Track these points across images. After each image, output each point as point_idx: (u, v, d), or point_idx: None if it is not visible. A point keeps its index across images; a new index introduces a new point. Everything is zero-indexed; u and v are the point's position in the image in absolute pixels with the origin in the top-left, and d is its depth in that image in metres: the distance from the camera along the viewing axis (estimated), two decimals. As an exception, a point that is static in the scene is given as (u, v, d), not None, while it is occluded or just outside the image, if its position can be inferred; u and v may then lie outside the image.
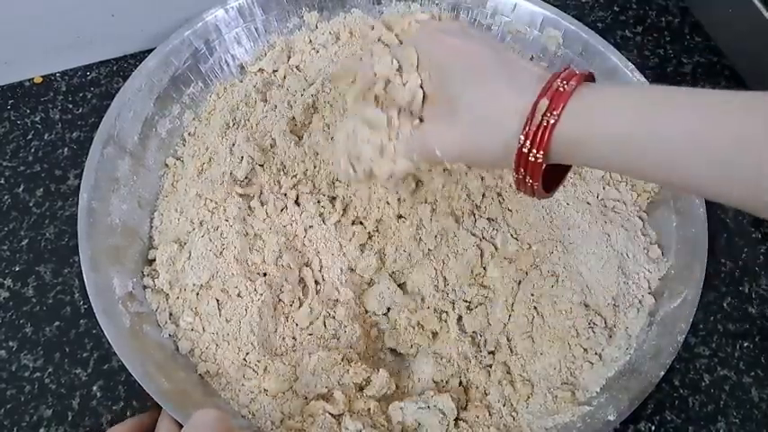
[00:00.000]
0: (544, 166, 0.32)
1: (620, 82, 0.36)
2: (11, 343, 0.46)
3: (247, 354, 0.43)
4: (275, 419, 0.41)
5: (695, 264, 0.45)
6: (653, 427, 0.46)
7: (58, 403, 0.44)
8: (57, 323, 0.47)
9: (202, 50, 0.53)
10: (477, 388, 0.44)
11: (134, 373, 0.39)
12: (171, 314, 0.45)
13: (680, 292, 0.45)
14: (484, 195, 0.48)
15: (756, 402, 0.47)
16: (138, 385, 0.39)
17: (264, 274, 0.45)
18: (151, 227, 0.49)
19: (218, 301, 0.44)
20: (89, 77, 0.58)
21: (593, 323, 0.45)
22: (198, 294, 0.44)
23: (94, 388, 0.45)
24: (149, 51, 0.59)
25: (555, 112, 0.31)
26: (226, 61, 0.55)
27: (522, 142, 0.32)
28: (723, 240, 0.53)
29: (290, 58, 0.55)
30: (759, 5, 0.55)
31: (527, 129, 0.32)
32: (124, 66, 0.58)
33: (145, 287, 0.45)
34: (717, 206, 0.52)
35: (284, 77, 0.54)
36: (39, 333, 0.47)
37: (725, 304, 0.50)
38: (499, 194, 0.49)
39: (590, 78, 0.33)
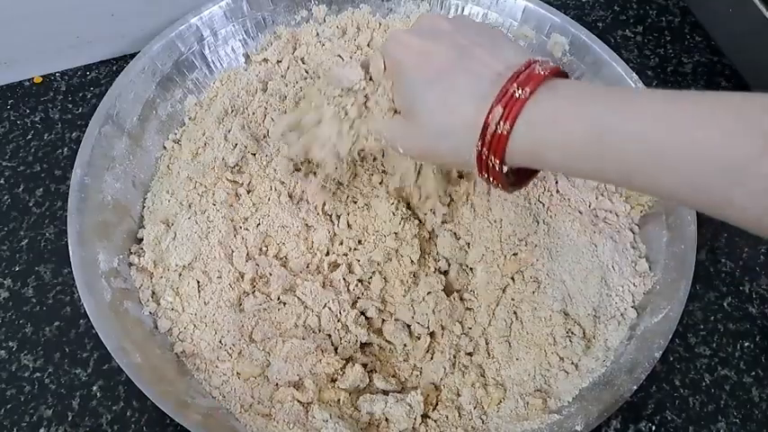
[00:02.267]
0: (505, 170, 0.33)
1: (583, 82, 0.34)
2: (11, 343, 0.46)
3: (223, 337, 0.43)
4: (245, 403, 0.42)
5: (681, 281, 0.45)
6: (653, 427, 0.45)
7: (57, 403, 0.44)
8: (56, 323, 0.47)
9: (208, 37, 0.54)
10: (449, 388, 0.44)
11: (108, 345, 0.40)
12: (154, 292, 0.45)
13: (662, 308, 0.44)
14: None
15: (757, 402, 0.47)
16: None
17: (246, 260, 0.45)
18: (143, 207, 0.49)
19: (198, 282, 0.45)
20: (89, 77, 0.58)
21: (572, 332, 0.45)
22: (180, 275, 0.45)
23: (94, 388, 0.45)
24: (149, 51, 0.59)
25: (507, 122, 0.31)
26: (233, 49, 0.55)
27: (479, 150, 0.33)
28: (723, 240, 0.53)
29: (295, 49, 0.56)
30: (759, 5, 0.55)
31: (483, 139, 0.32)
32: (123, 65, 0.58)
33: (130, 264, 0.46)
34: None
35: (287, 69, 0.54)
36: (38, 333, 0.47)
37: (725, 304, 0.50)
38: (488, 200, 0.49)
39: (558, 73, 0.33)
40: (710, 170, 0.27)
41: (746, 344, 0.49)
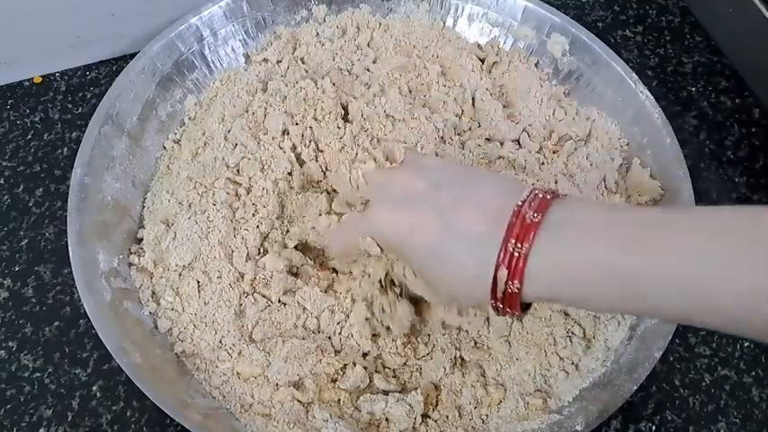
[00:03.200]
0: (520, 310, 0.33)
1: (585, 206, 0.33)
2: (10, 343, 0.46)
3: (223, 337, 0.43)
4: (245, 403, 0.42)
5: None
6: (653, 427, 0.45)
7: (57, 403, 0.44)
8: (56, 323, 0.47)
9: (208, 37, 0.54)
10: (449, 388, 0.44)
11: (108, 345, 0.40)
12: (153, 292, 0.45)
13: None
14: None
15: (757, 402, 0.47)
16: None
17: (246, 260, 0.45)
18: (143, 207, 0.49)
19: (198, 282, 0.44)
20: (89, 77, 0.58)
21: (572, 332, 0.45)
22: (180, 275, 0.45)
23: (94, 388, 0.45)
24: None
25: (515, 281, 0.31)
26: (233, 49, 0.55)
27: (494, 305, 0.33)
28: (723, 240, 0.53)
29: (295, 49, 0.56)
30: (759, 5, 0.55)
31: (495, 297, 0.32)
32: (123, 65, 0.58)
33: (130, 264, 0.46)
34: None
35: (287, 69, 0.54)
36: (38, 333, 0.47)
37: (725, 304, 0.50)
38: None
39: (554, 197, 0.32)
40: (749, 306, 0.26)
41: (746, 344, 0.49)
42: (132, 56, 0.57)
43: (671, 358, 0.48)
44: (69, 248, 0.43)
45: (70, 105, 0.56)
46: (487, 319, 0.46)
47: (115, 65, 0.58)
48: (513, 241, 0.31)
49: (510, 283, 0.31)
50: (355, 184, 0.43)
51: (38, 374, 0.45)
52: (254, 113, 0.50)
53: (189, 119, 0.53)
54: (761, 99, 0.59)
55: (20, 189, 0.52)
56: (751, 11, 0.56)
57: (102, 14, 0.55)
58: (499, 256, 0.31)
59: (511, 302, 0.32)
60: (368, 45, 0.55)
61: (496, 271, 0.31)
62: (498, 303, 0.33)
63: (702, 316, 0.28)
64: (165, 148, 0.52)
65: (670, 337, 0.42)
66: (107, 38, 0.57)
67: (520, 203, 0.32)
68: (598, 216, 0.31)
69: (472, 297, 0.34)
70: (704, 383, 0.47)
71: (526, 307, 0.35)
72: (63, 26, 0.55)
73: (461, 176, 0.36)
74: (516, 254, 0.30)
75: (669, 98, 0.59)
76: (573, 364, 0.44)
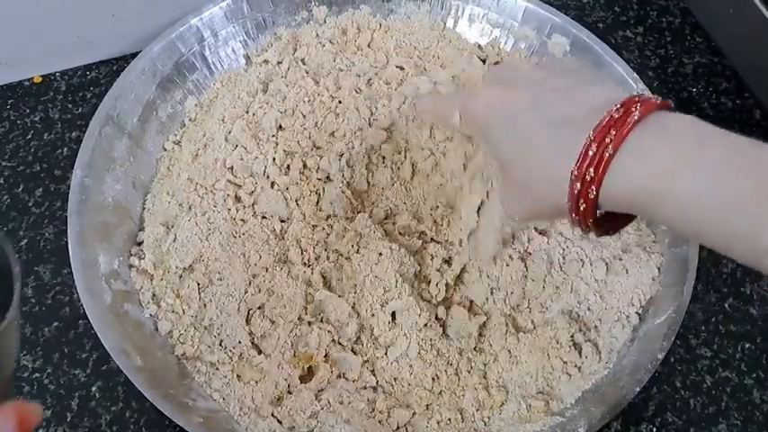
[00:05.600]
0: (596, 217, 0.31)
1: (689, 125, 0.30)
2: (10, 343, 0.46)
3: (223, 339, 0.43)
4: (245, 406, 0.42)
5: (683, 282, 0.45)
6: (654, 429, 0.45)
7: (57, 404, 0.44)
8: (56, 323, 0.47)
9: (209, 38, 0.54)
10: (451, 391, 0.44)
11: (108, 348, 0.40)
12: (154, 295, 0.45)
13: (665, 310, 0.44)
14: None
15: (758, 404, 0.47)
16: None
17: (247, 263, 0.46)
18: (143, 208, 0.49)
19: (198, 284, 0.44)
20: (89, 77, 0.58)
21: (575, 335, 0.45)
22: (181, 277, 0.45)
23: (93, 388, 0.45)
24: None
25: (592, 190, 0.29)
26: (233, 50, 0.55)
27: (571, 207, 0.31)
28: (724, 241, 0.53)
29: (295, 50, 0.55)
30: (759, 5, 0.55)
31: (572, 198, 0.30)
32: (124, 66, 0.58)
33: (130, 266, 0.46)
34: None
35: (288, 70, 0.54)
36: (38, 333, 0.46)
37: (726, 305, 0.50)
38: None
39: (662, 106, 0.29)
40: None
41: (747, 345, 0.49)
42: (133, 56, 0.57)
43: (672, 360, 0.48)
44: (69, 250, 0.43)
45: (70, 105, 0.56)
46: (485, 324, 0.45)
47: (115, 65, 0.58)
48: (608, 130, 0.28)
49: (590, 169, 0.28)
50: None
51: (37, 375, 0.45)
52: (254, 114, 0.50)
53: (189, 120, 0.53)
54: (761, 100, 0.59)
55: (20, 189, 0.52)
56: (751, 12, 0.56)
57: (103, 14, 0.55)
58: (588, 142, 0.28)
59: (585, 212, 0.30)
60: (368, 46, 0.55)
61: (582, 155, 0.29)
62: (577, 213, 0.30)
63: None
64: (165, 149, 0.52)
65: (672, 338, 0.42)
66: (107, 38, 0.57)
67: (626, 100, 0.29)
68: (709, 130, 0.28)
69: (550, 195, 0.31)
70: (705, 385, 0.47)
71: (608, 228, 0.32)
72: (63, 26, 0.55)
73: (575, 77, 0.34)
74: (608, 140, 0.28)
75: (670, 99, 0.59)
76: (575, 366, 0.44)
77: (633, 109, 0.28)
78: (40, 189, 0.52)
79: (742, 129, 0.61)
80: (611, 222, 0.32)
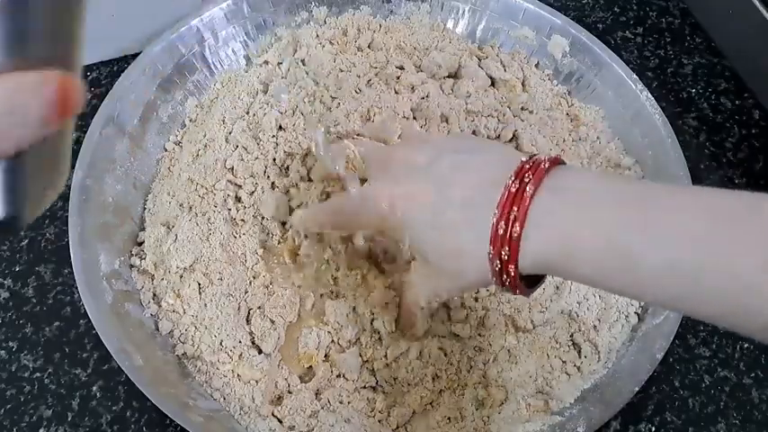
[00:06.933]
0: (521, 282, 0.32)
1: (582, 181, 0.31)
2: (11, 343, 0.46)
3: (223, 339, 0.43)
4: (245, 405, 0.42)
5: None
6: (653, 428, 0.45)
7: (57, 403, 0.44)
8: (56, 323, 0.47)
9: (209, 39, 0.54)
10: (451, 390, 0.44)
11: (110, 347, 0.40)
12: (155, 294, 0.45)
13: (664, 310, 0.44)
14: None
15: (757, 403, 0.47)
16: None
17: (247, 263, 0.46)
18: (144, 209, 0.49)
19: (199, 284, 0.45)
20: (89, 77, 0.58)
21: (574, 335, 0.45)
22: (181, 277, 0.45)
23: (94, 388, 0.45)
24: (150, 52, 0.59)
25: (511, 266, 0.30)
26: (233, 51, 0.55)
27: (496, 279, 0.32)
28: (723, 241, 0.53)
29: (296, 51, 0.55)
30: (759, 6, 0.55)
31: (495, 274, 0.31)
32: (124, 66, 0.58)
33: (131, 266, 0.46)
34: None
35: (288, 70, 0.54)
36: (38, 333, 0.47)
37: (725, 305, 0.50)
38: None
39: (555, 164, 0.31)
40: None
41: (746, 345, 0.49)
42: (133, 56, 0.57)
43: (670, 359, 0.48)
44: (71, 250, 0.43)
45: (71, 105, 0.56)
46: (483, 323, 0.46)
47: (115, 65, 0.58)
48: (510, 205, 0.29)
49: (504, 247, 0.30)
50: (352, 161, 0.42)
51: (38, 374, 0.45)
52: (254, 115, 0.51)
53: (190, 120, 0.53)
54: (761, 100, 0.59)
55: (20, 189, 0.52)
56: (751, 12, 0.56)
57: (103, 15, 0.55)
58: (495, 221, 0.30)
59: (512, 281, 0.31)
60: (368, 47, 0.55)
61: (494, 236, 0.30)
62: (498, 276, 0.31)
63: (695, 301, 0.27)
64: (165, 149, 0.52)
65: (671, 338, 0.43)
66: (107, 38, 0.57)
67: (518, 169, 0.30)
68: (600, 184, 0.30)
69: (474, 274, 0.33)
70: (704, 384, 0.47)
71: (531, 284, 0.33)
72: (63, 26, 0.54)
73: (462, 144, 0.35)
74: (513, 217, 0.29)
75: (669, 99, 0.59)
76: (575, 365, 0.44)
77: (526, 179, 0.30)
78: (41, 189, 0.52)
79: (742, 129, 0.61)
80: (537, 277, 0.33)
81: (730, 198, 0.27)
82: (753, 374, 0.48)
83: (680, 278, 0.27)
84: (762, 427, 0.46)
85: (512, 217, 0.29)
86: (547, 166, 0.30)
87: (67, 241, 0.49)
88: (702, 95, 0.60)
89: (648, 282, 0.28)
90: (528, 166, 0.30)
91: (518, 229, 0.29)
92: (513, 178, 0.30)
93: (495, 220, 0.30)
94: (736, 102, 0.60)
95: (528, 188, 0.29)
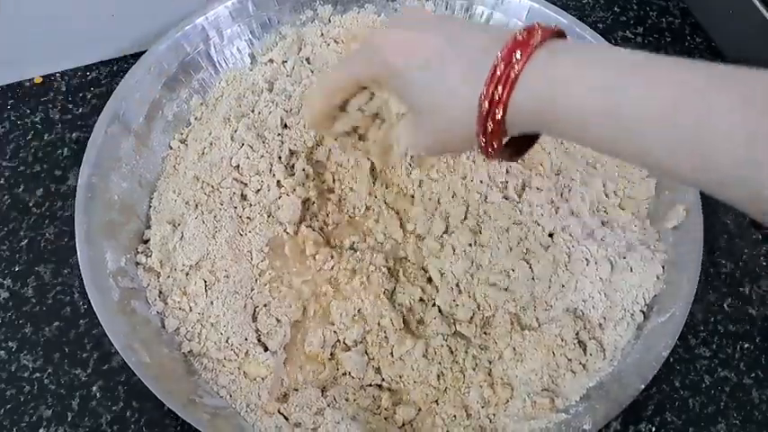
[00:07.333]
0: (506, 140, 0.32)
1: (579, 46, 0.33)
2: (10, 343, 0.46)
3: (229, 337, 0.43)
4: (251, 402, 0.42)
5: (686, 281, 0.45)
6: (653, 428, 0.45)
7: (57, 403, 0.44)
8: (56, 323, 0.47)
9: (214, 38, 0.54)
10: (457, 388, 0.44)
11: (117, 345, 0.40)
12: (161, 292, 0.45)
13: (669, 308, 0.45)
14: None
15: (757, 404, 0.47)
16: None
17: (252, 259, 0.46)
18: (149, 206, 0.49)
19: (205, 282, 0.45)
20: (89, 77, 0.58)
21: (580, 332, 0.45)
22: (187, 274, 0.45)
23: (94, 388, 0.45)
24: (150, 51, 0.59)
25: (499, 109, 0.30)
26: (238, 49, 0.55)
27: (481, 137, 0.32)
28: (723, 241, 0.53)
29: (300, 49, 0.55)
30: (759, 7, 0.55)
31: (481, 120, 0.31)
32: (124, 66, 0.58)
33: (137, 264, 0.46)
34: (718, 208, 0.52)
35: (293, 69, 0.54)
36: (38, 333, 0.47)
37: (725, 305, 0.50)
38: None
39: (558, 34, 0.31)
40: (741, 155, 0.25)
41: (746, 345, 0.49)
42: (133, 56, 0.57)
43: (671, 360, 0.48)
44: (77, 248, 0.43)
45: (70, 105, 0.56)
46: (488, 321, 0.46)
47: (115, 65, 0.58)
48: (515, 49, 0.30)
49: (498, 88, 0.30)
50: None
51: (38, 374, 0.45)
52: (259, 113, 0.51)
53: (195, 119, 0.53)
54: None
55: (20, 189, 0.52)
56: (751, 12, 0.56)
57: (103, 14, 0.55)
58: (495, 63, 0.30)
59: (495, 132, 0.31)
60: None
61: (491, 76, 0.30)
62: (485, 135, 0.32)
63: (684, 159, 0.28)
64: (171, 147, 0.52)
65: (677, 336, 0.43)
66: (107, 38, 0.57)
67: (529, 26, 0.31)
68: (597, 48, 0.31)
69: (460, 126, 0.33)
70: (704, 385, 0.47)
71: (515, 153, 0.34)
72: (63, 26, 0.55)
73: (476, 24, 0.37)
74: (514, 59, 0.30)
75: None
76: (580, 363, 0.44)
77: (535, 33, 0.30)
78: (41, 189, 0.52)
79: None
80: (513, 148, 0.34)
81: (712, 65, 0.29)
82: (753, 374, 0.48)
83: (667, 130, 0.27)
84: (762, 427, 0.46)
85: (513, 60, 0.30)
86: (556, 29, 0.31)
87: (67, 241, 0.50)
88: (702, 95, 0.60)
89: (641, 138, 0.28)
90: (537, 26, 0.31)
91: (517, 69, 0.30)
92: (522, 31, 0.31)
93: (496, 61, 0.30)
94: (737, 102, 0.60)
95: (534, 39, 0.30)
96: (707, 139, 0.26)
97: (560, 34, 0.32)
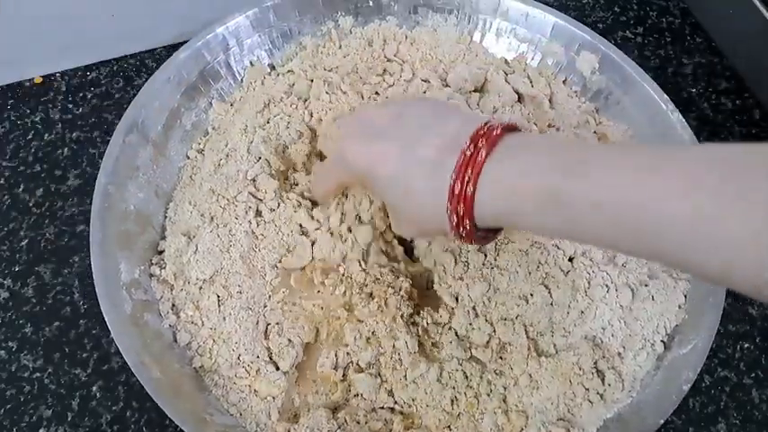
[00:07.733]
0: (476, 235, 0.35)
1: (532, 142, 0.34)
2: (10, 343, 0.46)
3: (241, 354, 0.43)
4: (261, 422, 0.41)
5: (710, 311, 0.44)
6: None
7: (57, 403, 0.44)
8: (56, 323, 0.47)
9: (234, 47, 0.53)
10: (470, 414, 0.43)
11: (128, 359, 0.39)
12: (174, 305, 0.45)
13: (691, 339, 0.43)
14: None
15: (757, 403, 0.47)
16: (137, 386, 0.39)
17: (265, 276, 0.45)
18: (165, 217, 0.49)
19: (218, 296, 0.44)
20: (89, 77, 0.58)
21: (598, 362, 0.43)
22: (201, 288, 0.45)
23: (94, 388, 0.45)
24: (150, 52, 0.59)
25: (467, 221, 0.33)
26: (258, 59, 0.55)
27: (455, 232, 0.35)
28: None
29: (320, 61, 0.55)
30: (759, 5, 0.55)
31: (453, 227, 0.34)
32: (124, 66, 0.58)
33: (151, 275, 0.46)
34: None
35: (311, 81, 0.53)
36: (38, 333, 0.47)
37: (725, 305, 0.50)
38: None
39: (510, 129, 0.34)
40: (703, 242, 0.26)
41: (746, 345, 0.49)
42: (132, 56, 0.57)
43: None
44: (91, 259, 0.42)
45: (70, 105, 0.56)
46: (504, 346, 0.44)
47: (115, 65, 0.58)
48: (465, 168, 0.32)
49: (460, 204, 0.33)
50: (328, 130, 0.43)
51: (38, 374, 0.45)
52: (276, 125, 0.50)
53: (213, 128, 0.52)
54: (761, 100, 0.59)
55: (20, 189, 0.52)
56: (751, 12, 0.56)
57: (102, 15, 0.55)
58: (452, 182, 0.33)
59: (466, 229, 0.34)
60: (394, 56, 0.55)
61: (450, 194, 0.33)
62: (456, 229, 0.34)
63: (630, 243, 0.29)
64: (188, 157, 0.51)
65: (699, 369, 0.41)
66: (107, 38, 0.57)
67: (474, 135, 0.33)
68: (542, 141, 0.33)
69: (434, 225, 0.35)
70: (704, 384, 0.47)
71: (485, 236, 0.36)
72: (63, 26, 0.55)
73: (427, 109, 0.37)
74: (467, 178, 0.32)
75: (669, 100, 0.59)
76: (598, 393, 0.43)
77: (480, 144, 0.33)
78: (41, 189, 0.52)
79: (742, 129, 0.61)
80: (491, 231, 0.37)
81: (654, 149, 0.30)
82: (753, 374, 0.48)
83: (604, 217, 0.29)
84: (762, 427, 0.46)
85: (466, 178, 0.32)
86: (499, 132, 0.33)
87: (67, 241, 0.50)
88: (703, 95, 0.60)
89: (580, 221, 0.30)
90: (482, 132, 0.33)
91: (471, 188, 0.32)
92: (468, 143, 0.33)
93: (452, 181, 0.33)
94: (737, 101, 0.60)
95: (481, 153, 0.32)
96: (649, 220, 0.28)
97: (509, 128, 0.34)
